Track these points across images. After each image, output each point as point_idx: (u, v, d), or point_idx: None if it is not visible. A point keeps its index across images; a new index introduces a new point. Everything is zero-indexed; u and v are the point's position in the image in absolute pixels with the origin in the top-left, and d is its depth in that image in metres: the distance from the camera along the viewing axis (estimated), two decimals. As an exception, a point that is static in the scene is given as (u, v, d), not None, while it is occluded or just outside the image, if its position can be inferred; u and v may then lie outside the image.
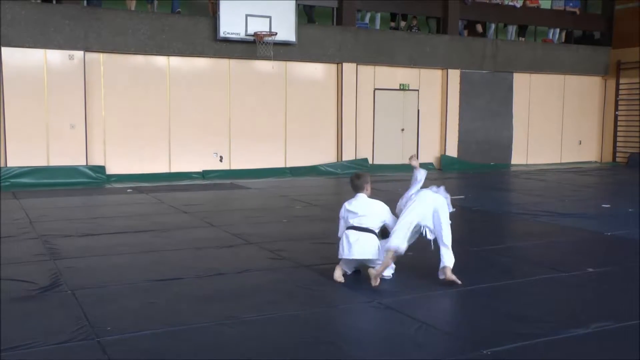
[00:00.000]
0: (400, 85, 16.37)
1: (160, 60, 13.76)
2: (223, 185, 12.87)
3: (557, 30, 18.86)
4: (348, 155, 15.62)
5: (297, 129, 15.13)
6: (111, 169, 13.32)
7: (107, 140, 13.35)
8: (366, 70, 15.87)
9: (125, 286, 5.17)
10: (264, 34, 13.81)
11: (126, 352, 3.77)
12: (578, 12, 18.96)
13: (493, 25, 17.98)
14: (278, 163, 15.02)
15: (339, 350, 3.83)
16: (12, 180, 12.22)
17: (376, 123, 16.16)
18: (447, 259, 5.20)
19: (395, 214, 5.46)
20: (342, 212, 5.46)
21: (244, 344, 3.93)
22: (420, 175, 5.62)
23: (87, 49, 12.85)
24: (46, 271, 5.58)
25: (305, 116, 15.23)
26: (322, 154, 15.50)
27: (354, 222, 5.30)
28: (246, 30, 13.83)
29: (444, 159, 16.88)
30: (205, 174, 14.13)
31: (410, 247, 5.62)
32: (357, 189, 5.45)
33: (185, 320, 4.29)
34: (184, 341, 3.94)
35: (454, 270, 5.18)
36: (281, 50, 14.33)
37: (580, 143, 19.30)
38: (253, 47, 14.00)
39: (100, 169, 13.08)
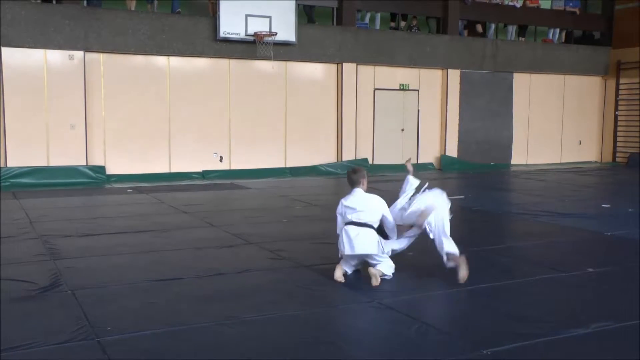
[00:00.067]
0: (400, 85, 16.37)
1: (160, 61, 13.76)
2: (223, 185, 12.86)
3: (557, 30, 18.86)
4: (348, 156, 15.61)
5: (297, 129, 15.13)
6: (111, 169, 13.32)
7: (107, 141, 13.34)
8: (366, 70, 15.87)
9: (125, 286, 5.17)
10: (264, 34, 13.81)
11: (126, 352, 3.77)
12: (578, 12, 18.96)
13: (493, 25, 17.98)
14: (278, 163, 15.02)
15: (339, 350, 3.84)
16: (12, 181, 12.22)
17: (376, 123, 16.15)
18: (450, 245, 5.26)
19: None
20: (340, 209, 5.46)
21: (244, 344, 3.93)
22: (410, 187, 5.68)
23: (87, 49, 12.85)
24: (46, 271, 5.58)
25: (305, 116, 15.23)
26: (322, 154, 15.50)
27: (352, 217, 5.30)
28: (246, 30, 13.83)
29: (444, 159, 16.88)
30: (205, 174, 14.13)
31: (410, 248, 5.64)
32: (353, 183, 5.47)
33: (185, 320, 4.30)
34: (184, 341, 3.94)
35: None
36: (281, 50, 14.33)
37: (580, 143, 19.29)
38: (253, 47, 13.99)
39: (100, 169, 13.08)
